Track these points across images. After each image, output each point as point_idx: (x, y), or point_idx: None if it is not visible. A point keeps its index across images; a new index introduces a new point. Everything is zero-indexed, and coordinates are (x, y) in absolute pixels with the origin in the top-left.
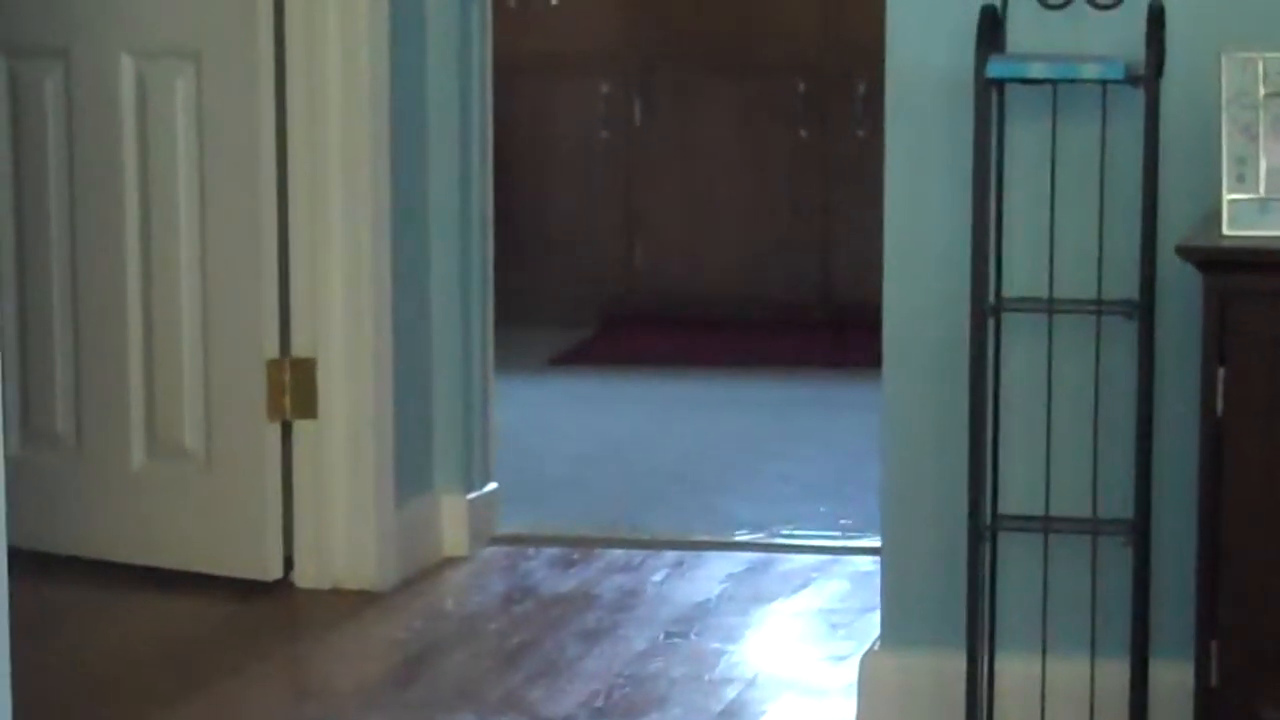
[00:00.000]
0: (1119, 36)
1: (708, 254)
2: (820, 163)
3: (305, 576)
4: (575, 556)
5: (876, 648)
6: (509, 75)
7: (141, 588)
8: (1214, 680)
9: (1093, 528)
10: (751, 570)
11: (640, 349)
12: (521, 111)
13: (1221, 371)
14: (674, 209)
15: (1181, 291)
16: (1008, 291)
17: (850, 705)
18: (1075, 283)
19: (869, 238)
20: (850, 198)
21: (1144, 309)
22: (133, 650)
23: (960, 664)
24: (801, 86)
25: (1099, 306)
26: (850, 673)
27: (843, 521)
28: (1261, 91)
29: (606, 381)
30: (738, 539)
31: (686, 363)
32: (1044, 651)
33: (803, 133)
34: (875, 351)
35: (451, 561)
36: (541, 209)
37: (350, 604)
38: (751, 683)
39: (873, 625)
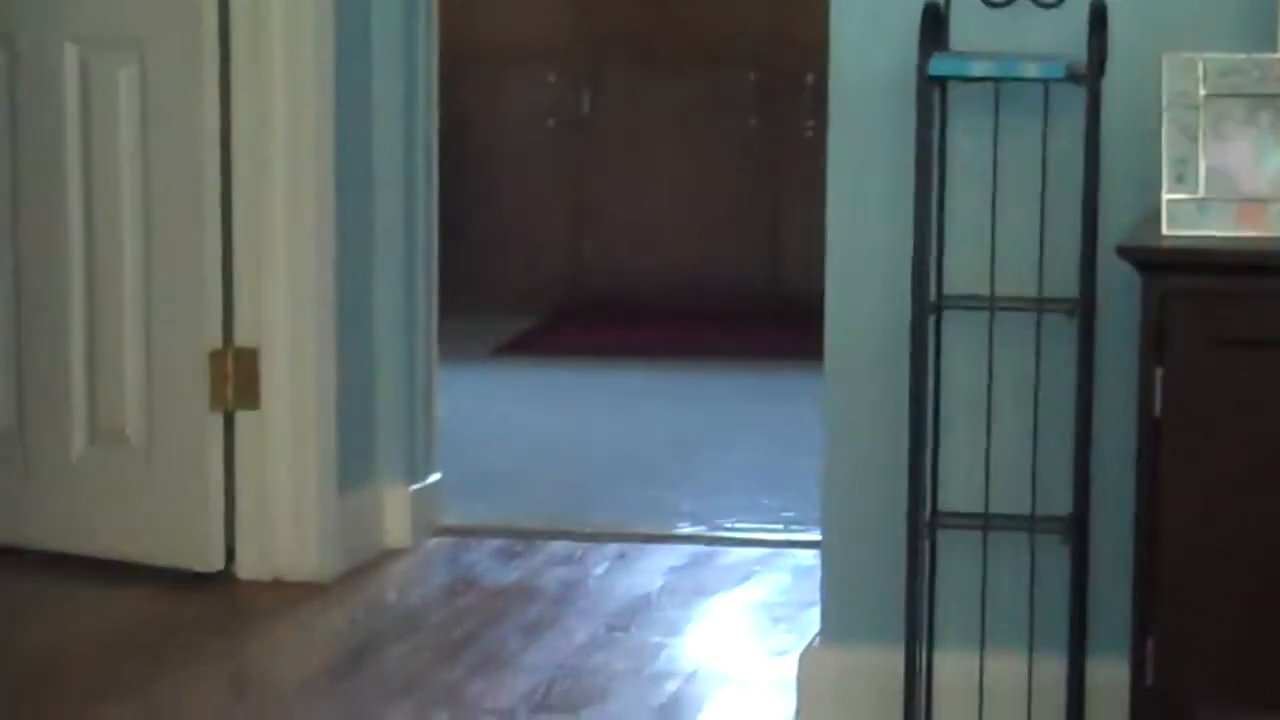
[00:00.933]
0: (1062, 35)
1: (655, 245)
2: (769, 154)
3: (247, 567)
4: (518, 548)
5: (816, 643)
6: (457, 64)
7: (82, 578)
8: (1150, 679)
9: (1031, 525)
10: (693, 563)
11: (586, 340)
12: (469, 101)
13: (1159, 371)
14: (622, 200)
15: (1122, 290)
16: (949, 288)
17: (790, 700)
18: (1016, 280)
19: (817, 230)
20: (799, 189)
21: (1084, 308)
22: (72, 641)
23: (899, 659)
24: (751, 77)
25: (1040, 304)
26: (790, 667)
27: (785, 514)
28: (1202, 92)
29: (551, 372)
30: (680, 532)
31: (632, 354)
32: (982, 648)
33: (752, 124)
34: (822, 342)
35: (394, 553)
36: (489, 199)
37: (292, 595)
38: (691, 677)
39: (814, 619)
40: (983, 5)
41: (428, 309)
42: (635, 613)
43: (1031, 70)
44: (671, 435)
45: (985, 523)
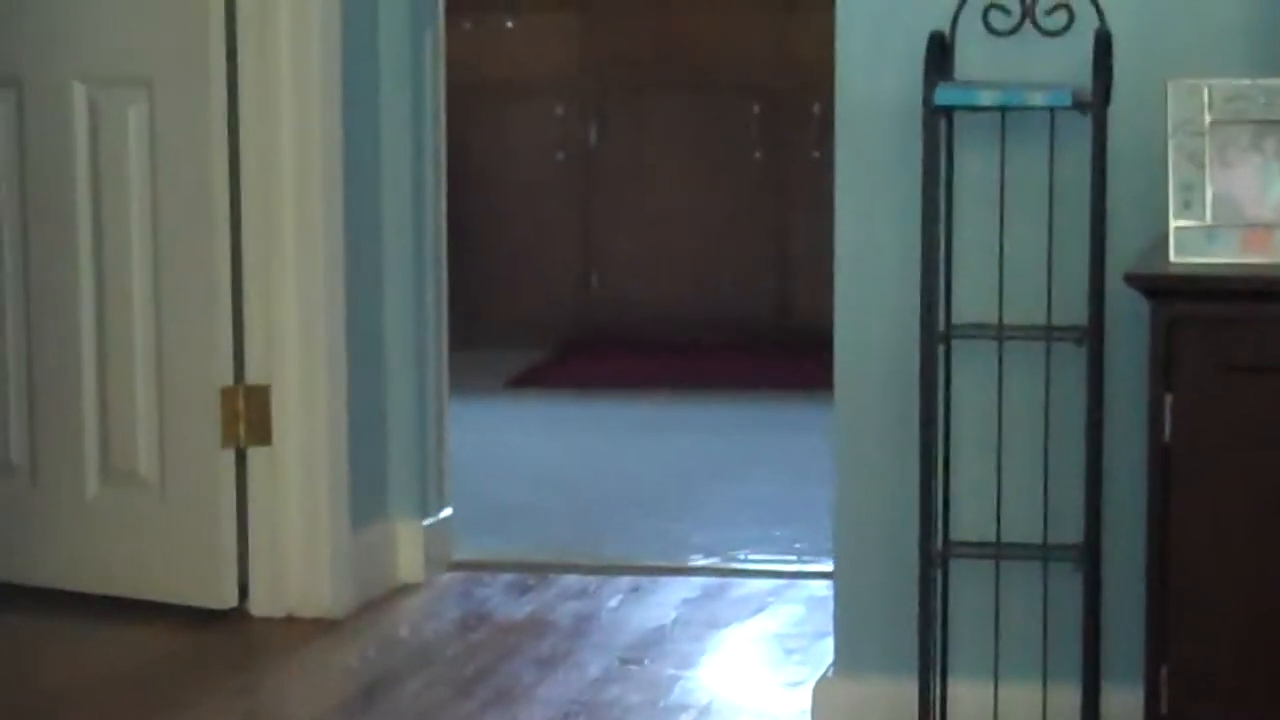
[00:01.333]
0: (1067, 63)
1: (663, 276)
2: (775, 184)
3: (260, 604)
4: (531, 582)
5: (830, 673)
6: (464, 98)
7: (96, 617)
8: (1164, 706)
9: (1043, 554)
10: (706, 595)
11: (596, 372)
12: (477, 134)
13: (1169, 398)
14: (630, 231)
15: (1130, 318)
16: (957, 317)
17: None
18: (1025, 309)
19: (824, 259)
20: (806, 219)
21: (1093, 335)
22: (86, 679)
23: (913, 689)
24: (756, 108)
25: (1049, 333)
26: (804, 698)
27: (798, 545)
28: (1207, 119)
29: (562, 405)
30: (693, 564)
31: (642, 386)
32: (996, 677)
33: (757, 154)
34: (831, 373)
35: (407, 588)
36: (497, 232)
37: (305, 632)
38: (706, 709)
39: (828, 650)
40: (987, 33)
41: (438, 343)
42: (649, 645)
43: (1037, 99)
44: (682, 467)
45: (997, 552)
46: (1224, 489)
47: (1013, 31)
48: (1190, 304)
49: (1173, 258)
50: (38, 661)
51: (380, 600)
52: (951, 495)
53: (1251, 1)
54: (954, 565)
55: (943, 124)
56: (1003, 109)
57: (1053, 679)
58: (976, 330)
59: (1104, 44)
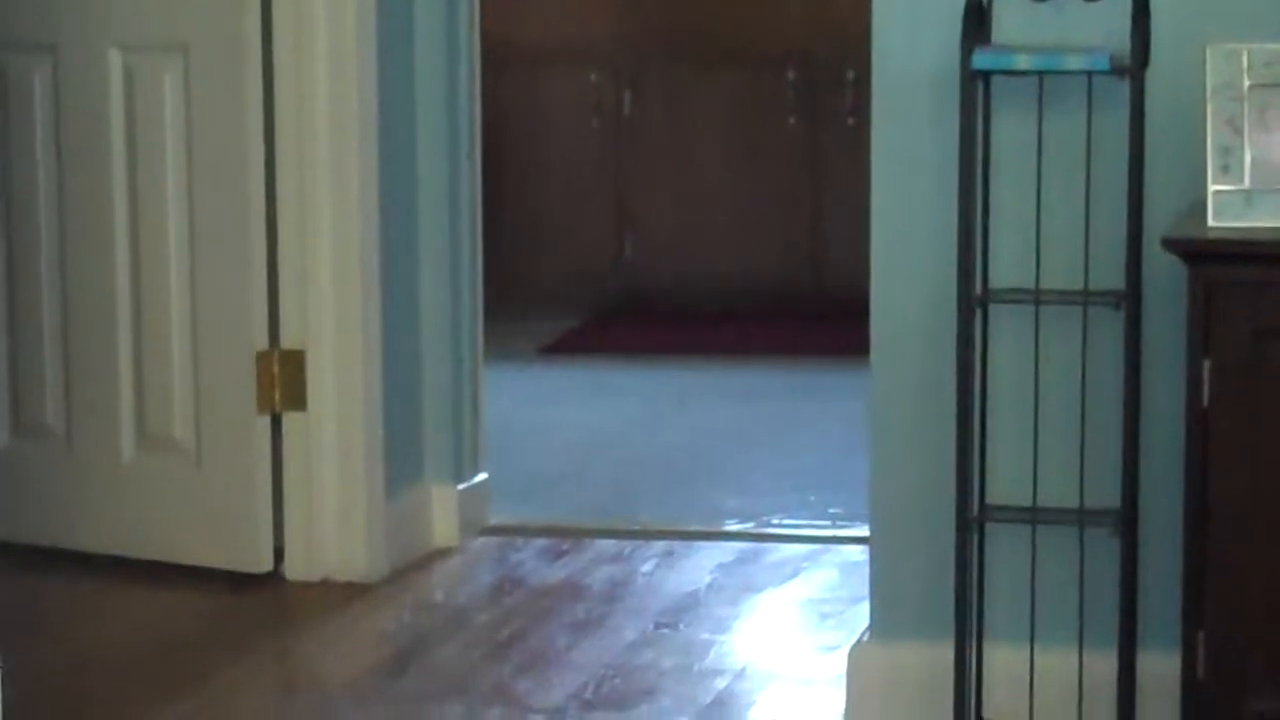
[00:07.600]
0: (1105, 27)
1: (698, 243)
2: (811, 151)
3: (295, 568)
4: (565, 547)
5: (865, 638)
6: (499, 65)
7: (132, 581)
8: (1200, 672)
9: (1080, 518)
10: (741, 560)
11: (630, 339)
12: (511, 101)
13: (1206, 363)
14: (664, 198)
15: (1168, 282)
16: (994, 283)
17: (839, 695)
18: (1062, 274)
19: (860, 225)
20: (841, 185)
21: (1130, 300)
22: (123, 644)
23: (949, 654)
24: (791, 75)
25: (1085, 297)
26: (840, 663)
27: (832, 511)
28: (1246, 83)
29: (596, 371)
30: (727, 529)
31: (676, 352)
32: (1032, 642)
33: (792, 121)
34: (866, 340)
35: (441, 552)
36: (532, 199)
37: (340, 596)
38: (741, 673)
39: (862, 615)
40: None
41: (473, 309)
42: (683, 610)
43: (1075, 63)
44: (716, 433)
45: (1033, 516)
46: (1262, 454)
47: None
48: (1228, 268)
49: (1211, 222)
50: (73, 625)
51: (415, 565)
52: (988, 460)
53: None
54: (990, 530)
55: (980, 89)
56: (1040, 73)
57: (1089, 644)
58: (1013, 295)
59: (1142, 8)
